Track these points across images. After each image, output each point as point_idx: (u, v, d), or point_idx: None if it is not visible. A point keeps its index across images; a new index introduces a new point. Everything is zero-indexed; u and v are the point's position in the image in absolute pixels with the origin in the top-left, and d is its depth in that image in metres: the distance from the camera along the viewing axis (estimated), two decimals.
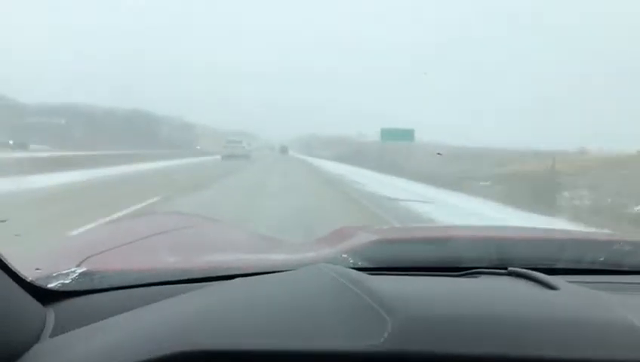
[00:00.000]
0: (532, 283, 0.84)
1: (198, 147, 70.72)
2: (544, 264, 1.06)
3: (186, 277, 0.96)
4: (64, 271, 0.92)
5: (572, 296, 0.77)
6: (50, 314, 0.85)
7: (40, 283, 0.88)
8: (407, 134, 30.67)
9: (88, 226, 5.33)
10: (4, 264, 0.80)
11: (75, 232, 4.82)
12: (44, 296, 0.87)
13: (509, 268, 0.92)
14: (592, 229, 7.38)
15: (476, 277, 0.96)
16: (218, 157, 34.87)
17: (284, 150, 74.22)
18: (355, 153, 41.33)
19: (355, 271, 0.84)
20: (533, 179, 15.87)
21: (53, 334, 0.80)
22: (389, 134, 31.09)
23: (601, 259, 1.11)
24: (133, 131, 61.97)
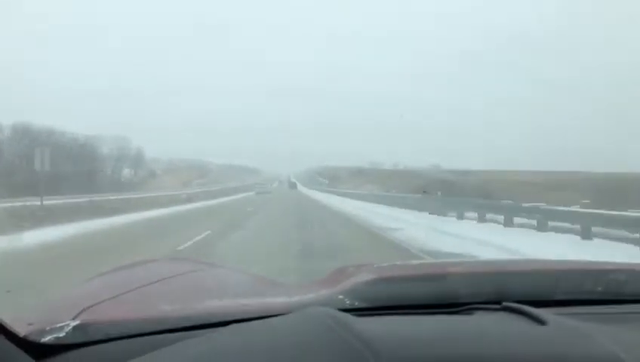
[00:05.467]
0: (523, 318, 0.85)
1: (184, 195, 40.02)
2: (541, 296, 1.06)
3: (182, 325, 0.95)
4: (58, 325, 0.91)
5: (560, 331, 0.77)
6: None
7: (33, 338, 0.87)
8: None
9: None
10: None
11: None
12: (38, 351, 0.85)
13: (503, 303, 0.93)
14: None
15: (471, 313, 0.96)
16: None
17: (292, 185, 75.20)
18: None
19: (345, 313, 0.84)
20: None
21: None
22: None
23: (599, 289, 1.11)
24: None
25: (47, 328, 0.90)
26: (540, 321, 0.81)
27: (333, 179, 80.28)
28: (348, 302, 1.02)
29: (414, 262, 2.04)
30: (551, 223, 14.37)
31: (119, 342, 0.90)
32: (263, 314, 0.95)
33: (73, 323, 0.92)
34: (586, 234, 12.45)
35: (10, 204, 19.13)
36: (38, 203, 20.07)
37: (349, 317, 0.81)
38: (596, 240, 12.19)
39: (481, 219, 18.22)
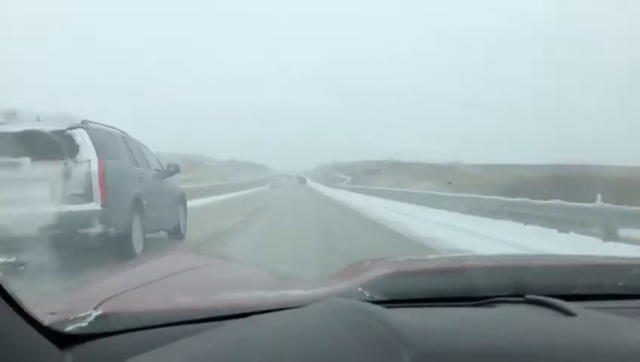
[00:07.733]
0: (550, 310, 0.84)
1: None
2: (562, 290, 1.05)
3: (202, 317, 0.96)
4: (81, 315, 0.93)
5: (590, 322, 0.77)
6: (68, 359, 0.85)
7: (57, 327, 0.88)
8: None
9: None
10: (21, 309, 0.81)
11: None
12: (61, 340, 0.87)
13: (527, 296, 0.92)
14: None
15: (493, 306, 0.95)
16: None
17: (302, 181, 78.91)
18: None
19: (370, 304, 0.84)
20: None
21: None
22: None
23: (621, 283, 1.09)
24: None
25: (71, 317, 0.92)
26: (567, 313, 0.80)
27: (356, 175, 67.79)
28: (368, 295, 1.02)
29: (431, 256, 2.04)
30: None
31: (140, 332, 0.92)
32: (282, 306, 0.96)
33: (95, 314, 0.93)
34: None
35: None
36: None
37: (374, 307, 0.81)
38: None
39: None
